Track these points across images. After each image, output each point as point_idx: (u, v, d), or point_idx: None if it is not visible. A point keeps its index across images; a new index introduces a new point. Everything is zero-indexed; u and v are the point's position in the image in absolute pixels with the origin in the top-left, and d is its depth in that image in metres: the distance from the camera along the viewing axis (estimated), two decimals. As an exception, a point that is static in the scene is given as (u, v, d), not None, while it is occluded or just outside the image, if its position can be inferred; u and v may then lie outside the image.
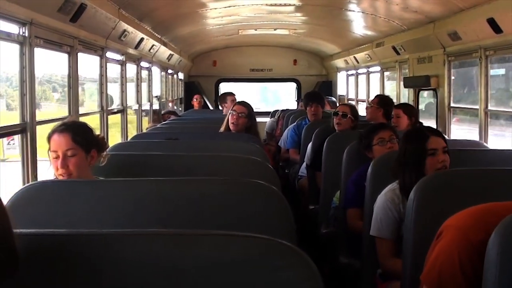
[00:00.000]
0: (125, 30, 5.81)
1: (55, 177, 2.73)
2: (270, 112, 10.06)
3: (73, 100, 4.74)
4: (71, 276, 1.39)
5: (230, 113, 4.70)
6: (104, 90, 5.66)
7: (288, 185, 6.39)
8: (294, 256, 1.38)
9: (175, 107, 10.87)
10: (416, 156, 2.91)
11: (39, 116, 3.98)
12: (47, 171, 2.86)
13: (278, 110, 9.25)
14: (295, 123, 6.73)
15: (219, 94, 9.61)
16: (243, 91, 13.30)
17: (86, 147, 2.72)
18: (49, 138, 2.72)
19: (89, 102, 6.93)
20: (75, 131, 2.71)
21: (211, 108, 12.07)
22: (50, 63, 4.79)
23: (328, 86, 12.68)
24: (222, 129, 4.78)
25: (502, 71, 6.20)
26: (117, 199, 2.23)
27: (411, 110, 5.46)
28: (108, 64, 5.79)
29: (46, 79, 6.44)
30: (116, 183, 2.39)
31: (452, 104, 6.44)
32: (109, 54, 5.86)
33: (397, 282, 2.77)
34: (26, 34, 3.71)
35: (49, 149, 2.71)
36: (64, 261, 1.40)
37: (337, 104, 10.39)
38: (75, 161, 2.67)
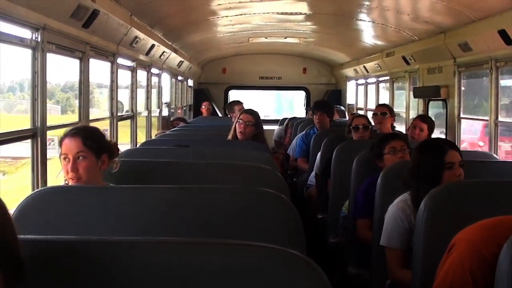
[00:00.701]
0: (136, 37, 5.84)
1: (65, 180, 2.74)
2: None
3: (84, 106, 4.75)
4: (80, 283, 1.38)
5: (237, 122, 4.71)
6: (115, 96, 5.68)
7: (296, 193, 6.37)
8: (306, 267, 1.37)
9: (184, 108, 10.87)
10: (432, 168, 2.88)
11: (71, 118, 3.99)
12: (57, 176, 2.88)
13: (286, 118, 9.26)
14: (303, 132, 6.73)
15: (227, 103, 9.62)
16: (257, 99, 13.35)
17: (97, 151, 2.72)
18: (60, 142, 2.74)
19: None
20: (85, 135, 2.72)
21: (220, 115, 12.09)
22: (72, 71, 4.81)
23: (337, 95, 12.66)
24: (229, 137, 4.79)
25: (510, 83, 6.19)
26: (127, 206, 2.23)
27: (433, 125, 5.51)
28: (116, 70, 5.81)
29: (69, 86, 6.44)
30: (126, 190, 2.39)
31: (462, 115, 6.42)
32: (120, 60, 5.88)
33: (406, 293, 2.76)
34: (39, 39, 3.73)
35: (61, 153, 2.73)
36: (74, 268, 1.39)
37: (346, 113, 10.43)
38: (85, 165, 2.68)
